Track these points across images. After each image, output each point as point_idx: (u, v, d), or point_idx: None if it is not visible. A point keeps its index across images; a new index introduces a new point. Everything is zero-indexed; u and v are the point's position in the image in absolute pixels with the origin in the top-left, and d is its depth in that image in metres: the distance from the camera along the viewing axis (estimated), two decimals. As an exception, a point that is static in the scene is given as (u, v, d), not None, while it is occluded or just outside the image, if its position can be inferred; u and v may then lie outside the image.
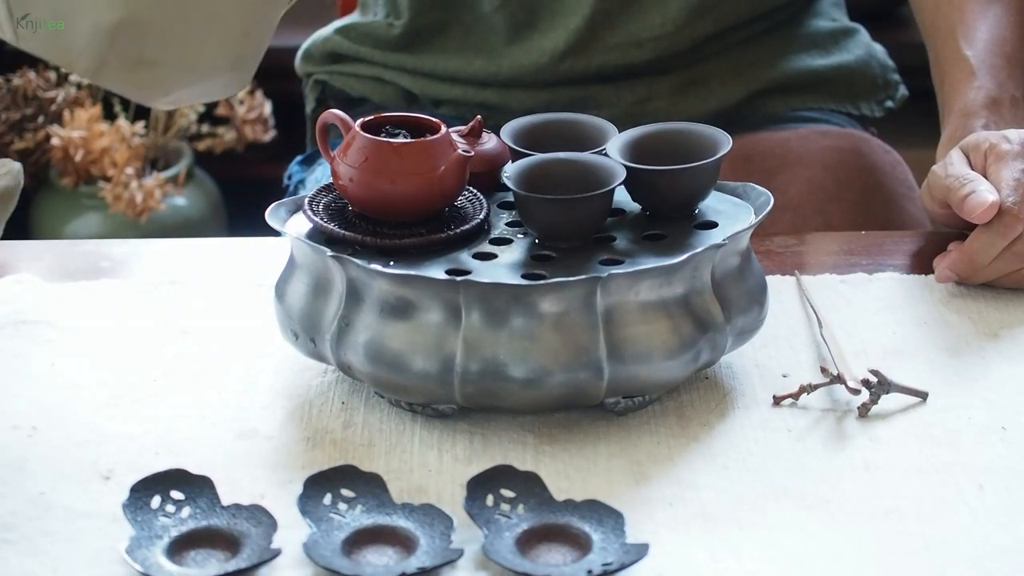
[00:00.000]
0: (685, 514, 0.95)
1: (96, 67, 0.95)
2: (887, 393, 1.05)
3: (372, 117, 1.07)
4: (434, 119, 1.07)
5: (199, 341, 1.14)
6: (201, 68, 0.97)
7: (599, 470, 1.00)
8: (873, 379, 1.05)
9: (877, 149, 1.50)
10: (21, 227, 2.54)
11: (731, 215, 1.08)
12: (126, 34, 0.93)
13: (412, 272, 1.00)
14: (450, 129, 1.07)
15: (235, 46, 0.97)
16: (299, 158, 1.60)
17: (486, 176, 1.10)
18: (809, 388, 1.05)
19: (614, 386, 1.01)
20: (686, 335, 1.02)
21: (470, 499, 0.94)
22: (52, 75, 2.56)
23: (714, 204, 1.09)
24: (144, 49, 0.95)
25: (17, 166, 1.03)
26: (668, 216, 1.08)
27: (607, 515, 0.94)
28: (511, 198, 1.09)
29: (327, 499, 0.95)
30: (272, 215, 1.07)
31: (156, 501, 0.95)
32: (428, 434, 1.03)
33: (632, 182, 1.07)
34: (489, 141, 1.11)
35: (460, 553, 0.91)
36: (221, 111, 2.60)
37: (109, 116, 2.56)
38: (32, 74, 2.54)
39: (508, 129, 1.12)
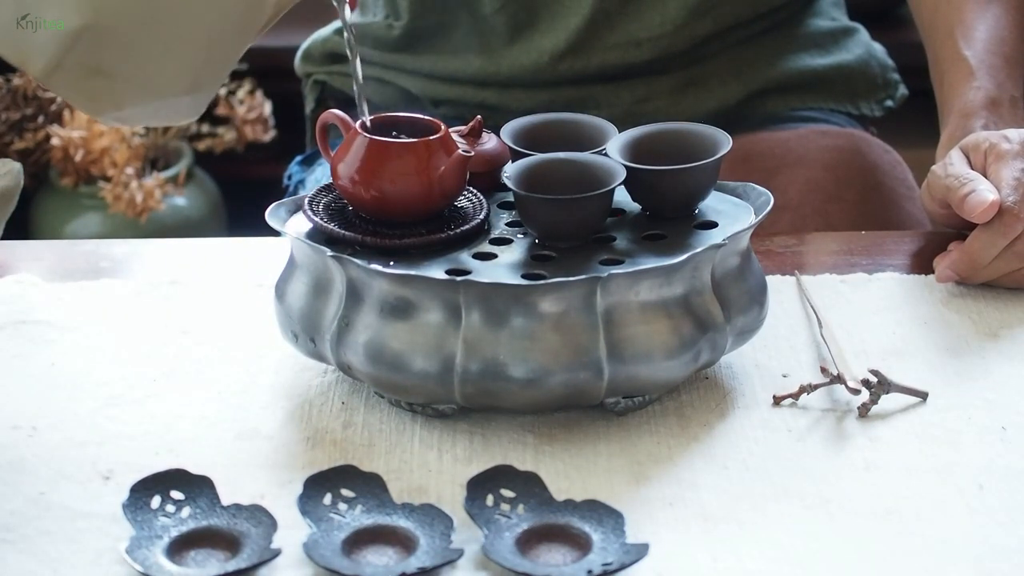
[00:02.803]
0: (685, 514, 0.95)
1: (51, 69, 0.94)
2: (887, 393, 1.05)
3: (372, 117, 1.07)
4: (434, 119, 1.07)
5: (199, 341, 1.14)
6: (157, 87, 0.97)
7: (599, 470, 1.00)
8: (873, 379, 1.05)
9: (877, 149, 1.50)
10: (21, 227, 2.53)
11: (731, 215, 1.08)
12: (88, 40, 0.93)
13: (412, 272, 1.00)
14: (450, 129, 1.07)
15: (195, 70, 0.97)
16: (299, 158, 1.60)
17: (486, 176, 1.10)
18: (809, 388, 1.05)
19: (614, 386, 1.01)
20: (686, 335, 1.02)
21: (470, 499, 0.94)
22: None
23: (714, 204, 1.09)
24: (103, 58, 0.94)
25: (17, 166, 1.02)
26: (668, 216, 1.08)
27: (607, 515, 0.94)
28: (511, 198, 1.09)
29: (327, 499, 0.95)
30: (272, 215, 1.07)
31: (156, 501, 0.95)
32: (428, 434, 1.03)
33: (632, 182, 1.07)
34: (489, 141, 1.11)
35: (460, 553, 0.91)
36: (221, 111, 2.60)
37: (109, 116, 2.56)
38: (32, 74, 2.54)
39: (508, 129, 1.12)
